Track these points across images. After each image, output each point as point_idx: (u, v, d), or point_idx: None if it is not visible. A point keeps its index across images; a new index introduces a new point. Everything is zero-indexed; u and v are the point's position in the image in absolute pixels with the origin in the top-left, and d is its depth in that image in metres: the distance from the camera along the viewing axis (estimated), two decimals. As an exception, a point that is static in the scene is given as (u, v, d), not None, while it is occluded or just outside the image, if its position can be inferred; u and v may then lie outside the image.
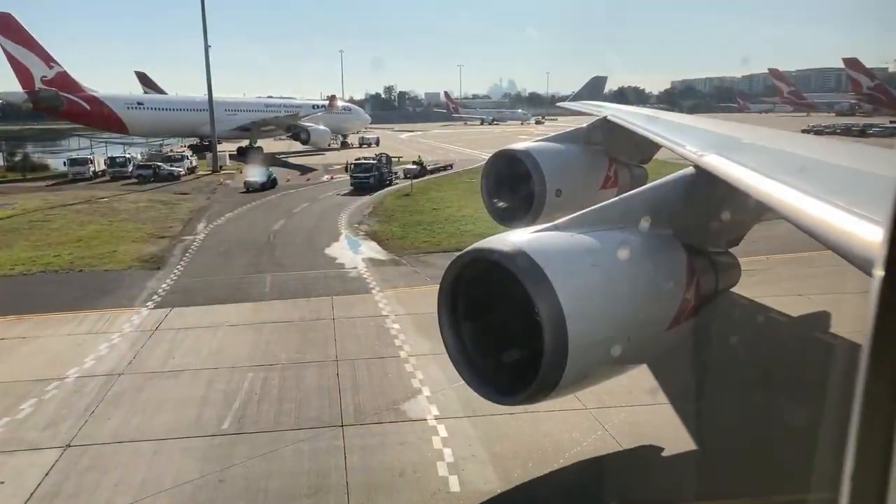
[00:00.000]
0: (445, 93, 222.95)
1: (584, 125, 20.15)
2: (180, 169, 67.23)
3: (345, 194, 52.40)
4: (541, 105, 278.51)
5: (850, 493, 1.82)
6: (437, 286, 24.87)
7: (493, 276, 8.63)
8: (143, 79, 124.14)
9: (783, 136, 13.28)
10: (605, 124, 19.02)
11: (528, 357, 8.35)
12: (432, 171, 65.37)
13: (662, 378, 16.17)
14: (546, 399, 8.86)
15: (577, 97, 34.61)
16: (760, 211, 10.90)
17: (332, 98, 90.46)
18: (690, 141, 11.74)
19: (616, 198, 10.79)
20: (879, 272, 1.84)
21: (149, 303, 23.70)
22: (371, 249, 32.66)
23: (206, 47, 71.52)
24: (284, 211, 45.31)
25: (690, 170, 10.49)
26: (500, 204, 18.57)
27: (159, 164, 67.53)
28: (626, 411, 14.78)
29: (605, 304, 8.53)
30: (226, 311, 22.52)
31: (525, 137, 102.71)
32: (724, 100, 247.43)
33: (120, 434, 13.95)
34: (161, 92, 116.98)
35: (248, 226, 40.07)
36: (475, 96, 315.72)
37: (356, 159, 57.99)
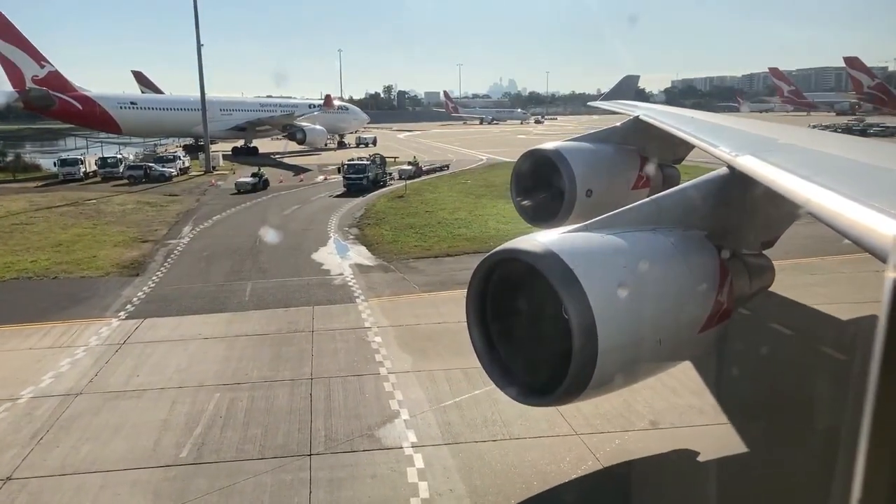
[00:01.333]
0: (444, 92, 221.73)
1: (618, 124, 19.54)
2: (172, 170, 66.07)
3: (337, 196, 51.25)
4: (540, 104, 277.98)
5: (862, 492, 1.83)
6: (424, 294, 23.65)
7: (523, 276, 8.55)
8: (140, 78, 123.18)
9: (823, 136, 12.91)
10: (638, 124, 18.57)
11: (558, 358, 8.20)
12: (428, 172, 64.21)
13: (660, 399, 15.03)
14: (576, 401, 8.72)
15: (608, 96, 34.35)
16: (796, 213, 10.60)
17: (327, 97, 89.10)
18: (725, 141, 11.49)
19: (648, 198, 10.53)
20: (892, 273, 1.94)
21: (121, 313, 22.54)
22: (359, 254, 31.50)
23: (199, 46, 70.54)
24: (274, 213, 44.17)
25: (724, 170, 10.24)
26: (530, 204, 18.18)
27: (150, 164, 66.37)
28: (620, 437, 13.60)
29: (635, 306, 8.32)
30: (200, 322, 21.36)
31: (524, 136, 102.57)
32: (724, 99, 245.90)
33: (67, 465, 12.75)
34: (158, 91, 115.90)
35: (235, 229, 38.90)
36: (475, 95, 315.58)
37: (349, 160, 56.81)
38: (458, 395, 15.47)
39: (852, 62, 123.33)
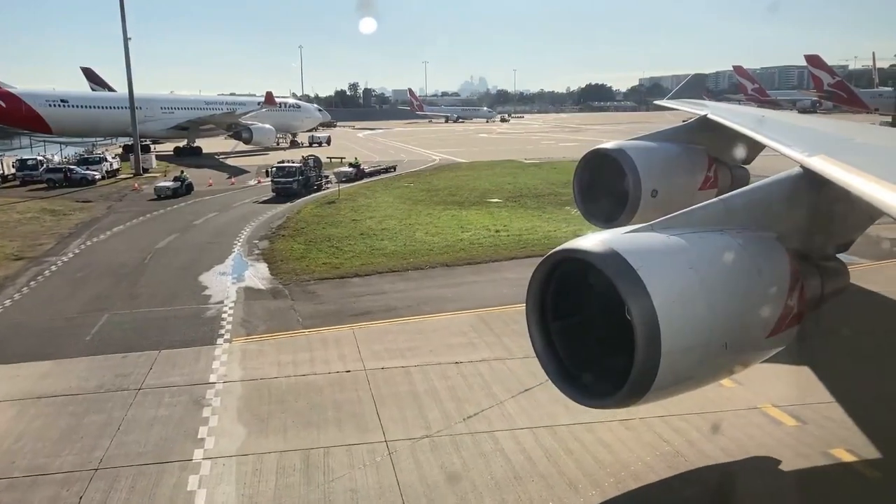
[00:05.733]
0: (410, 90, 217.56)
1: (687, 122, 18.45)
2: (96, 173, 60.94)
3: (263, 202, 46.83)
4: (508, 102, 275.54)
5: None
6: (303, 332, 19.22)
7: (585, 276, 8.37)
8: (91, 75, 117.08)
9: None
10: (706, 123, 18.15)
11: (620, 360, 7.90)
12: (371, 174, 59.89)
13: (553, 499, 11.21)
14: (637, 403, 8.42)
15: (676, 95, 33.12)
16: (872, 214, 10.40)
17: (268, 94, 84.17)
18: (797, 141, 11.25)
19: (716, 198, 10.15)
20: None
21: (-82, 361, 18.11)
22: (256, 275, 27.30)
23: (126, 39, 65.29)
24: (185, 223, 39.66)
25: (797, 170, 9.97)
26: (592, 204, 17.79)
27: (71, 167, 61.17)
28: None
29: (701, 308, 8.06)
30: (6, 375, 16.93)
31: (485, 135, 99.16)
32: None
33: None
34: (110, 89, 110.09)
35: (131, 243, 34.32)
36: (444, 93, 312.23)
37: (279, 162, 52.33)
38: (282, 496, 11.44)
39: (813, 60, 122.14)
